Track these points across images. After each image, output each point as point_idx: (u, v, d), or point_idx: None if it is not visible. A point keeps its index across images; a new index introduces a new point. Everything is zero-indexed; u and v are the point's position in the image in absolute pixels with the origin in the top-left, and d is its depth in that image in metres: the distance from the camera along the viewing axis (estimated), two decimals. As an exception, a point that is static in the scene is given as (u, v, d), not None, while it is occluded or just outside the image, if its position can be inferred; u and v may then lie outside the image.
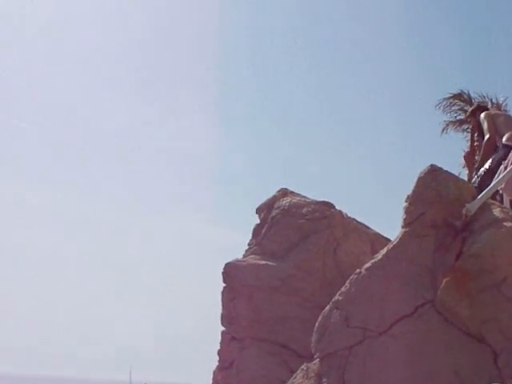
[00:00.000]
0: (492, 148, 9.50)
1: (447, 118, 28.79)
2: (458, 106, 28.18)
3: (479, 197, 7.13)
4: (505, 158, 9.10)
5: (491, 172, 9.07)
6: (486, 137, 9.54)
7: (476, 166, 9.38)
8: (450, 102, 28.17)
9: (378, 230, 10.36)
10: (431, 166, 7.28)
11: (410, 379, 6.64)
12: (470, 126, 9.96)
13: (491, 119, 9.71)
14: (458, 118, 28.35)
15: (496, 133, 9.54)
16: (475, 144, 9.89)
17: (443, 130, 28.87)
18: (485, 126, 9.64)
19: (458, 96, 28.55)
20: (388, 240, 9.42)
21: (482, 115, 9.78)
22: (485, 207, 7.00)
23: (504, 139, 9.38)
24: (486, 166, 9.18)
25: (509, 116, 10.17)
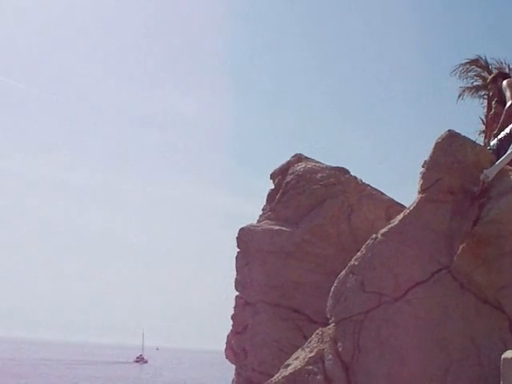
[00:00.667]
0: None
1: (463, 83, 28.59)
2: (475, 71, 27.94)
3: (497, 163, 7.06)
4: None
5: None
6: (509, 103, 9.29)
7: (495, 131, 9.26)
8: (467, 68, 27.92)
9: (392, 197, 10.31)
10: (449, 131, 7.21)
11: (424, 345, 6.63)
12: (490, 93, 9.78)
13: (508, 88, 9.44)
14: (474, 83, 28.14)
15: None
16: (493, 111, 9.76)
17: (459, 96, 28.63)
18: (508, 93, 9.39)
19: (475, 62, 28.28)
20: (403, 206, 9.37)
21: (505, 82, 9.56)
22: (503, 174, 6.94)
23: None
24: (508, 130, 9.07)
25: None
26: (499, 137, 8.94)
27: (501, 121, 9.14)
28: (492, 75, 9.90)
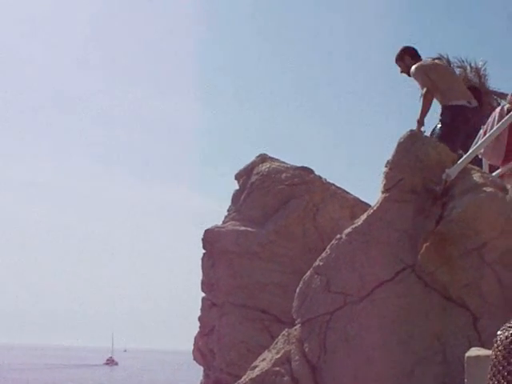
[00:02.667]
0: (430, 102, 9.74)
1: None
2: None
3: (459, 162, 7.13)
4: (454, 119, 9.55)
5: (447, 135, 9.35)
6: (424, 90, 9.69)
7: (418, 119, 9.65)
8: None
9: (357, 195, 10.36)
10: (411, 131, 7.28)
11: (390, 344, 6.68)
12: (400, 70, 10.17)
13: (424, 73, 9.85)
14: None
15: (433, 87, 9.72)
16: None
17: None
18: (419, 80, 9.86)
19: (438, 60, 28.64)
20: (367, 205, 9.41)
21: (414, 68, 9.90)
22: (465, 172, 7.00)
23: (452, 101, 9.69)
24: (437, 131, 9.60)
25: (441, 67, 10.29)
26: (437, 129, 9.60)
27: (420, 109, 9.64)
28: (398, 52, 10.15)
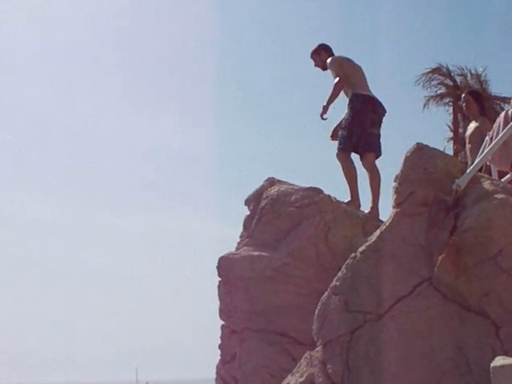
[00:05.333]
0: (339, 90, 10.53)
1: (427, 93, 28.89)
2: (438, 80, 28.28)
3: (468, 171, 7.12)
4: (363, 105, 10.35)
5: (356, 118, 10.33)
6: (336, 79, 10.45)
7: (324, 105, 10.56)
8: (429, 77, 28.26)
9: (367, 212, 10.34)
10: (417, 144, 7.28)
11: (413, 359, 6.65)
12: (314, 64, 10.94)
13: (339, 65, 10.60)
14: (438, 92, 28.46)
15: (344, 79, 10.49)
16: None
17: (425, 106, 28.95)
18: (333, 70, 10.62)
19: (437, 70, 28.61)
20: (379, 221, 9.42)
21: (330, 59, 10.66)
22: (474, 181, 7.00)
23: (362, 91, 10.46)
24: (346, 117, 10.45)
25: (353, 63, 10.75)
26: (343, 126, 10.51)
27: (328, 96, 10.58)
28: (315, 47, 10.89)
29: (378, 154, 10.58)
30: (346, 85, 10.47)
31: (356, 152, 10.49)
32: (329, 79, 10.78)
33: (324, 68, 10.83)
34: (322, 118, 10.65)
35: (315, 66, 10.90)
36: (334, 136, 10.74)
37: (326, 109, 10.55)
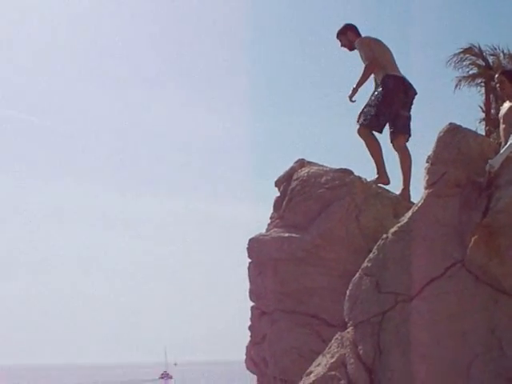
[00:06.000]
0: (370, 73, 10.51)
1: (459, 73, 28.64)
2: (470, 60, 28.01)
3: (501, 151, 7.04)
4: (395, 86, 10.26)
5: (388, 99, 10.21)
6: (367, 62, 10.41)
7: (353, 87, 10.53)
8: (461, 57, 27.99)
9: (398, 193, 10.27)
10: (450, 124, 7.20)
11: (445, 340, 6.61)
12: (340, 43, 10.87)
13: (369, 47, 10.49)
14: (470, 72, 28.20)
15: (374, 61, 10.39)
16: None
17: (456, 86, 28.71)
18: (363, 51, 10.54)
19: (469, 50, 28.35)
20: (410, 202, 9.35)
21: (359, 41, 10.59)
22: (509, 162, 6.91)
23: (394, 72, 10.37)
24: (377, 95, 10.32)
25: (383, 44, 10.70)
26: (372, 103, 10.30)
27: (359, 78, 10.50)
28: (341, 28, 10.83)
29: (409, 135, 10.52)
30: (377, 66, 10.42)
31: (380, 132, 10.43)
32: (356, 59, 10.73)
33: (351, 48, 10.73)
34: (351, 100, 10.61)
35: (341, 46, 10.80)
36: (351, 96, 10.69)
37: (355, 91, 10.51)
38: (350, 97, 10.59)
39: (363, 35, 10.80)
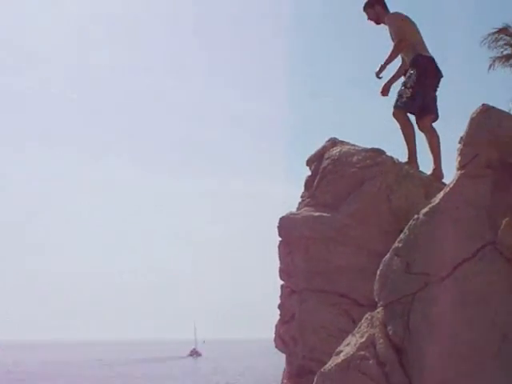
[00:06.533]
0: (400, 51, 10.43)
1: (493, 53, 28.38)
2: (504, 40, 27.75)
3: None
4: (426, 67, 10.25)
5: (422, 80, 10.19)
6: (398, 39, 10.35)
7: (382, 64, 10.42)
8: (496, 38, 27.73)
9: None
10: (483, 105, 7.15)
11: (475, 321, 6.60)
12: (367, 16, 10.77)
13: (399, 22, 10.50)
14: (504, 53, 27.94)
15: (405, 36, 10.35)
16: None
17: (490, 67, 28.47)
18: (393, 28, 10.51)
19: (504, 30, 28.08)
20: (442, 183, 9.32)
21: (389, 17, 10.54)
22: (541, 143, 6.87)
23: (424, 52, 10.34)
24: (412, 77, 10.24)
25: (412, 22, 10.59)
26: (407, 85, 10.23)
27: (388, 55, 10.39)
28: (368, 0, 10.72)
29: (436, 117, 10.47)
30: (406, 45, 10.34)
31: (414, 113, 10.38)
32: (384, 34, 10.64)
33: (378, 22, 10.68)
34: (378, 77, 10.54)
35: (368, 19, 10.71)
36: (384, 91, 10.61)
37: (383, 68, 10.44)
38: (377, 73, 10.54)
39: (392, 11, 10.72)
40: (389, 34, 10.58)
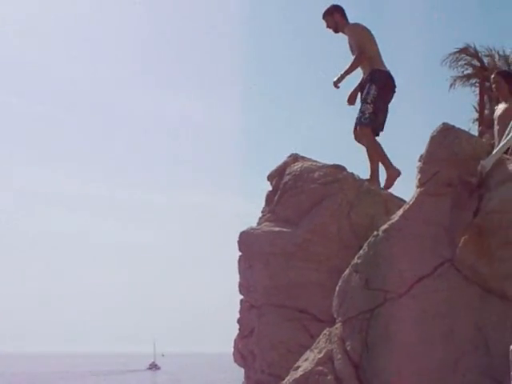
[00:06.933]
0: (360, 63, 10.41)
1: (454, 73, 28.69)
2: (465, 60, 28.06)
3: (493, 153, 7.08)
4: (386, 82, 10.30)
5: (382, 95, 10.23)
6: (359, 51, 10.36)
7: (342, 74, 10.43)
8: (457, 57, 28.05)
9: (390, 191, 10.30)
10: (443, 124, 7.23)
11: (432, 338, 6.65)
12: (326, 25, 10.74)
13: (360, 35, 10.49)
14: (465, 72, 28.26)
15: (365, 49, 10.36)
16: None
17: (451, 86, 28.76)
18: (354, 38, 10.48)
19: (464, 50, 28.40)
20: (401, 200, 9.37)
21: (351, 27, 10.57)
22: (500, 163, 6.95)
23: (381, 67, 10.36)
24: (372, 92, 10.22)
25: (371, 34, 10.64)
26: (368, 100, 10.25)
27: (348, 66, 10.44)
28: (328, 8, 10.73)
29: (381, 130, 10.54)
30: (365, 58, 10.37)
31: (377, 129, 10.44)
32: (341, 41, 10.66)
33: (336, 30, 10.67)
34: (336, 87, 10.55)
35: (327, 27, 10.70)
36: (351, 100, 10.65)
37: (342, 78, 10.44)
38: (336, 83, 10.53)
39: (351, 22, 10.73)
40: (348, 44, 10.62)
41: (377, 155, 10.30)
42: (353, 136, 10.49)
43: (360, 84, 10.57)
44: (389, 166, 10.29)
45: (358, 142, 10.46)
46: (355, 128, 10.41)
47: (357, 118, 10.35)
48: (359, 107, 10.40)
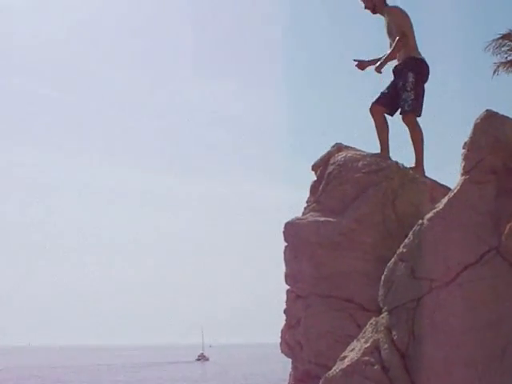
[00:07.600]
0: (401, 47, 10.20)
1: (497, 59, 28.38)
2: (508, 46, 27.76)
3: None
4: (421, 71, 10.20)
5: (420, 81, 10.17)
6: (401, 35, 10.17)
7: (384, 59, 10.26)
8: (500, 43, 27.73)
9: (435, 178, 10.25)
10: (487, 111, 7.18)
11: (479, 327, 6.62)
12: (363, 5, 10.58)
13: (403, 18, 10.33)
14: (508, 58, 27.95)
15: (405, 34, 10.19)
16: None
17: (494, 72, 28.46)
18: (396, 23, 10.32)
19: (508, 36, 28.09)
20: (447, 188, 9.33)
21: (395, 9, 10.42)
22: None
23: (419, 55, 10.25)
24: (410, 79, 10.11)
25: (408, 17, 10.46)
26: (407, 88, 10.12)
27: (390, 51, 10.29)
28: None
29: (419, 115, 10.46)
30: (404, 43, 10.26)
31: (419, 116, 10.36)
32: (378, 22, 10.55)
33: (374, 11, 10.54)
34: (379, 72, 10.43)
35: (365, 8, 10.56)
36: (360, 65, 10.61)
37: (384, 63, 10.32)
38: (378, 69, 10.39)
39: (390, 4, 10.62)
40: (385, 26, 10.50)
41: (415, 144, 10.24)
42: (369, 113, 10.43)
43: (393, 70, 10.45)
44: (419, 162, 10.23)
45: (372, 117, 10.39)
46: (372, 106, 10.35)
47: (400, 107, 10.28)
48: (401, 96, 10.29)
